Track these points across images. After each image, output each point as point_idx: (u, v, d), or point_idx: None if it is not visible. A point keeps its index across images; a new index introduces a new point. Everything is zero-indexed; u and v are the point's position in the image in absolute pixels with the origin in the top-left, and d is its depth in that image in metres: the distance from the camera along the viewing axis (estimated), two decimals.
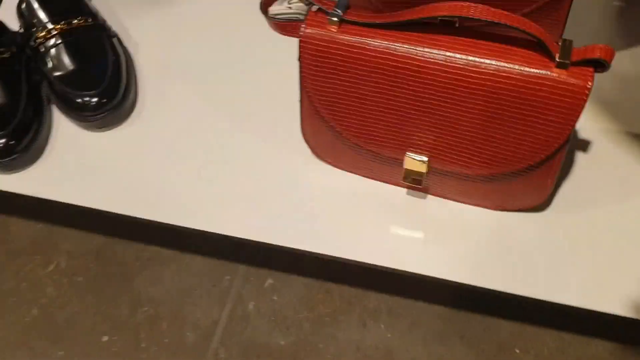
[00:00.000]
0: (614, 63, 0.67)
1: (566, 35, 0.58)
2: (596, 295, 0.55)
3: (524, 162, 0.52)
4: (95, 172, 0.64)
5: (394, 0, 0.56)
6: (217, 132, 0.66)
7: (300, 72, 0.53)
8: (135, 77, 0.70)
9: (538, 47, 0.48)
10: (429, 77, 0.50)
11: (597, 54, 0.46)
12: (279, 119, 0.66)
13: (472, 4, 0.46)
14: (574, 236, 0.58)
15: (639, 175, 0.61)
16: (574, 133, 0.64)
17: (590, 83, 0.47)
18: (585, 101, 0.47)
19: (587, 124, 0.64)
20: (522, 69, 0.48)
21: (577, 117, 0.48)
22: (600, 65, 0.47)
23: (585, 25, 0.71)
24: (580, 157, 0.62)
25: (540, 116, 0.49)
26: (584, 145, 0.63)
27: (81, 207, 0.63)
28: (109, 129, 0.67)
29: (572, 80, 0.47)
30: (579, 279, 0.56)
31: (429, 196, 0.61)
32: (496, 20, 0.46)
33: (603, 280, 0.55)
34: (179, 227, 0.61)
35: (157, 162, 0.64)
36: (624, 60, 0.69)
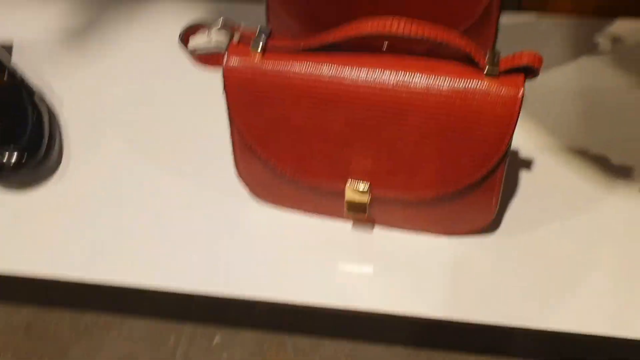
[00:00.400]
0: (549, 79, 0.68)
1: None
2: (555, 315, 0.52)
3: (466, 180, 0.50)
4: (18, 236, 0.59)
5: (315, 30, 0.55)
6: (148, 181, 0.63)
7: (227, 105, 0.51)
8: (60, 132, 0.67)
9: (467, 61, 0.47)
10: (359, 100, 0.48)
11: (525, 61, 0.45)
12: (213, 160, 0.63)
13: (396, 19, 0.45)
14: (525, 257, 0.56)
15: (582, 189, 0.60)
16: (514, 152, 0.63)
17: (522, 90, 0.46)
18: (519, 109, 0.46)
19: (528, 143, 0.64)
20: (452, 83, 0.47)
21: (513, 126, 0.47)
22: (531, 72, 0.46)
23: (516, 44, 0.72)
24: (524, 176, 0.61)
25: (476, 129, 0.47)
26: (527, 164, 0.62)
27: (5, 275, 0.58)
28: (33, 187, 0.63)
29: (504, 89, 0.46)
30: (535, 301, 0.53)
31: (377, 227, 0.58)
32: (421, 34, 0.45)
33: (557, 299, 0.53)
34: (117, 286, 0.57)
35: (87, 218, 0.60)
36: (558, 76, 0.70)
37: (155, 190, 0.62)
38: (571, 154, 0.63)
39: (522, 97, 0.46)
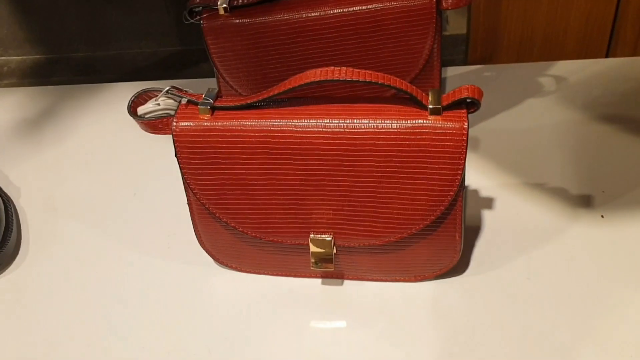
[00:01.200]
0: (501, 121, 0.70)
1: None
2: (522, 355, 0.51)
3: (427, 218, 0.50)
4: None
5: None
6: (109, 262, 0.61)
7: (180, 168, 0.51)
8: (17, 221, 0.66)
9: (410, 101, 0.49)
10: (311, 148, 0.49)
11: (464, 94, 0.47)
12: (172, 230, 0.62)
13: (338, 68, 0.47)
14: (497, 294, 0.55)
15: (545, 221, 0.60)
16: (475, 191, 0.64)
17: (466, 123, 0.47)
18: (466, 141, 0.47)
19: (487, 181, 0.64)
20: (398, 123, 0.47)
21: (463, 158, 0.47)
22: (472, 105, 0.47)
23: None
24: (486, 214, 0.62)
25: (427, 166, 0.48)
26: (488, 202, 0.63)
27: None
28: None
29: (449, 124, 0.47)
30: (515, 340, 0.52)
31: (346, 281, 0.57)
32: (363, 78, 0.47)
33: (535, 334, 0.52)
34: None
35: (47, 308, 0.58)
36: (509, 117, 0.72)
37: (115, 273, 0.60)
38: (530, 189, 0.63)
39: (467, 129, 0.47)
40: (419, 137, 0.47)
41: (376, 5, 0.59)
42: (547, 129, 0.70)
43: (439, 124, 0.47)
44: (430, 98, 0.48)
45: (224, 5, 0.61)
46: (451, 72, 0.80)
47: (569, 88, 0.76)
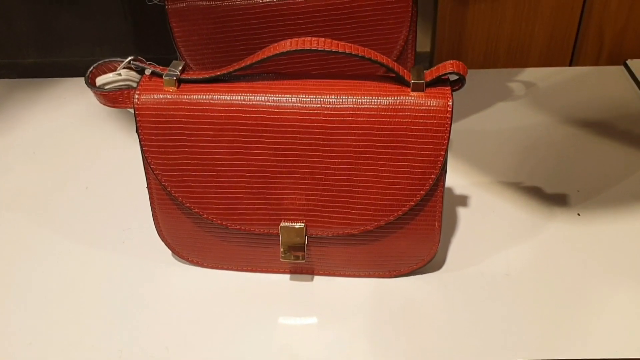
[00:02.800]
0: (476, 123, 0.68)
1: None
2: (514, 345, 0.48)
3: (405, 204, 0.47)
4: None
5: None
6: (57, 258, 0.56)
7: (141, 146, 0.47)
8: None
9: (391, 78, 0.46)
10: (285, 126, 0.45)
11: (449, 69, 0.44)
12: (128, 224, 0.57)
13: (315, 38, 0.44)
14: (473, 291, 0.52)
15: (521, 219, 0.58)
16: (450, 189, 0.61)
17: (450, 101, 0.45)
18: (449, 120, 0.45)
19: (463, 181, 0.62)
20: (379, 99, 0.45)
21: (447, 137, 0.45)
22: (457, 82, 0.45)
23: None
24: (463, 212, 0.59)
25: (409, 146, 0.45)
26: (464, 201, 0.60)
27: None
28: None
29: (432, 101, 0.45)
30: (491, 335, 0.49)
31: (317, 277, 0.53)
32: (342, 49, 0.44)
33: (512, 329, 0.49)
34: None
35: None
36: (482, 120, 0.70)
37: (68, 271, 0.55)
38: (505, 188, 0.62)
39: (452, 106, 0.44)
40: (400, 114, 0.45)
41: None
42: (518, 131, 0.69)
43: (421, 100, 0.45)
44: (412, 73, 0.45)
45: None
46: None
47: (536, 93, 0.75)
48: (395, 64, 0.45)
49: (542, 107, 0.72)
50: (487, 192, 0.61)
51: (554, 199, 0.60)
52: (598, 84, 0.77)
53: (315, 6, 0.58)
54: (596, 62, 0.90)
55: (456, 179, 0.63)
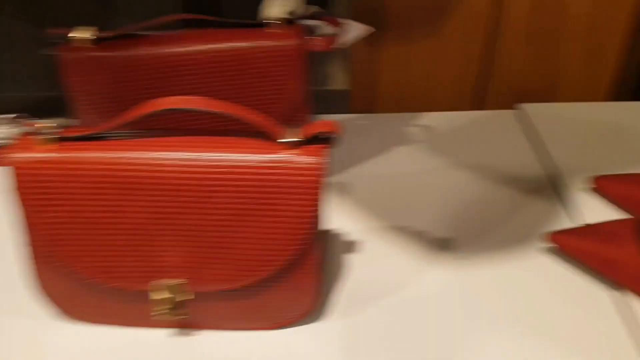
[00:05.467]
0: (372, 168, 0.70)
1: None
2: None
3: (282, 259, 0.48)
4: None
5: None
6: None
7: (18, 205, 0.46)
8: None
9: (266, 135, 0.48)
10: (163, 183, 0.46)
11: (319, 129, 0.46)
12: (8, 276, 0.57)
13: (193, 97, 0.45)
14: (359, 338, 0.53)
15: (406, 264, 0.60)
16: (339, 234, 0.63)
17: (323, 158, 0.46)
18: (321, 177, 0.46)
19: (354, 226, 0.64)
20: (254, 157, 0.46)
21: (318, 196, 0.46)
22: (330, 140, 0.47)
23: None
24: (350, 259, 0.61)
25: (283, 202, 0.47)
26: (352, 247, 0.62)
27: None
28: None
29: (305, 159, 0.46)
30: None
31: (201, 332, 0.53)
32: (217, 109, 0.45)
33: None
34: None
35: None
36: (379, 164, 0.73)
37: None
38: (394, 232, 0.64)
39: (325, 164, 0.46)
40: (274, 171, 0.46)
41: (241, 44, 0.58)
42: (413, 175, 0.72)
43: (295, 158, 0.46)
44: (287, 132, 0.47)
45: (86, 36, 0.58)
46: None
47: (436, 137, 0.79)
48: (271, 120, 0.47)
49: (438, 152, 0.76)
50: (376, 237, 0.63)
51: (438, 243, 0.63)
52: (492, 128, 0.81)
53: (206, 58, 0.59)
54: (499, 106, 0.95)
55: (348, 224, 0.64)
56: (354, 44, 0.89)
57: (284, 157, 0.46)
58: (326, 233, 0.48)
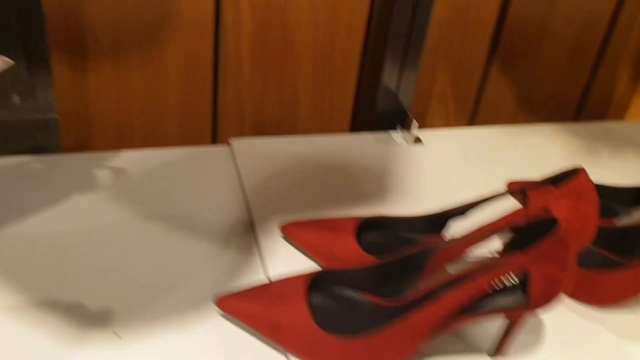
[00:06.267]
0: (37, 225, 0.59)
1: None
2: None
3: None
4: None
5: None
6: None
7: None
8: None
9: None
10: None
11: None
12: None
13: None
14: None
15: (53, 349, 0.50)
16: None
17: None
18: None
19: None
20: None
21: None
22: None
23: None
24: None
25: None
26: None
27: None
28: None
29: None
30: None
31: None
32: None
33: None
34: None
35: None
36: (50, 219, 0.62)
37: None
38: (37, 310, 0.53)
39: None
40: None
41: None
42: (80, 232, 0.61)
43: None
44: None
45: None
46: None
47: (128, 182, 0.69)
48: None
49: (125, 200, 0.66)
50: (13, 318, 0.52)
51: (95, 318, 0.53)
52: (201, 168, 0.73)
53: None
54: (240, 134, 0.88)
55: None
56: (55, 68, 0.78)
57: None
58: None
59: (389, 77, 0.84)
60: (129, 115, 0.86)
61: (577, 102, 1.10)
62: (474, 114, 1.03)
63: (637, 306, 0.62)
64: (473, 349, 0.55)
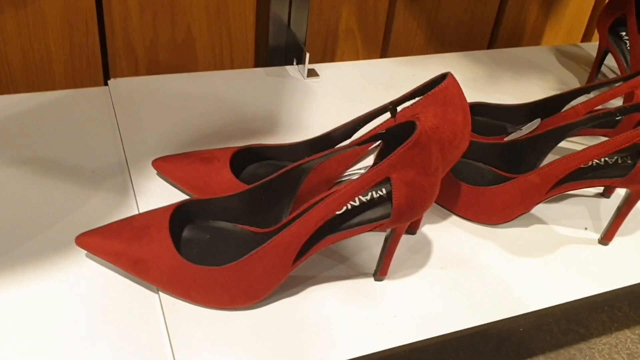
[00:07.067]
0: None
1: None
2: None
3: None
4: None
5: None
6: None
7: None
8: None
9: None
10: None
11: None
12: None
13: None
14: None
15: None
16: None
17: None
18: None
19: None
20: None
21: None
22: None
23: None
24: None
25: None
26: None
27: None
28: None
29: None
30: None
31: None
32: None
33: None
34: None
35: None
36: None
37: None
38: None
39: None
40: None
41: None
42: None
43: None
44: None
45: None
46: None
47: None
48: None
49: None
50: None
51: None
52: (79, 110, 0.69)
53: None
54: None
55: None
56: None
57: None
58: None
59: (279, 9, 0.80)
60: (6, 61, 0.80)
61: (489, 33, 1.08)
62: (384, 50, 1.00)
63: (528, 221, 0.61)
64: (359, 272, 0.53)
